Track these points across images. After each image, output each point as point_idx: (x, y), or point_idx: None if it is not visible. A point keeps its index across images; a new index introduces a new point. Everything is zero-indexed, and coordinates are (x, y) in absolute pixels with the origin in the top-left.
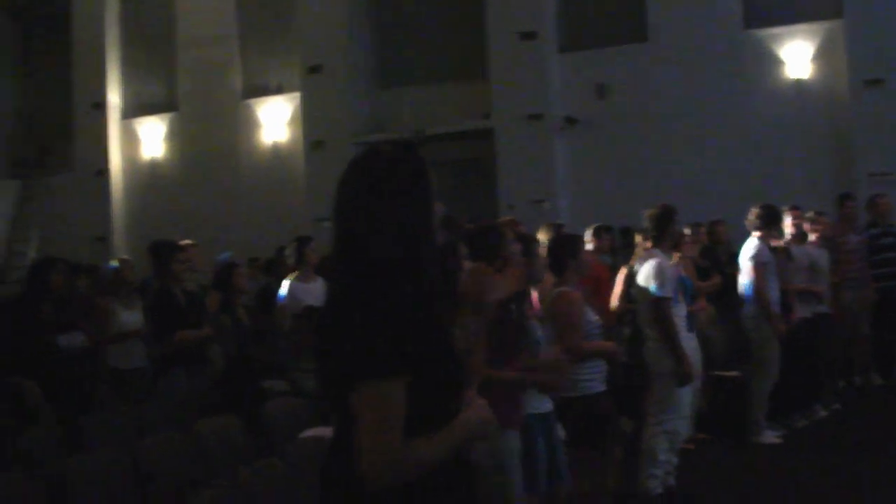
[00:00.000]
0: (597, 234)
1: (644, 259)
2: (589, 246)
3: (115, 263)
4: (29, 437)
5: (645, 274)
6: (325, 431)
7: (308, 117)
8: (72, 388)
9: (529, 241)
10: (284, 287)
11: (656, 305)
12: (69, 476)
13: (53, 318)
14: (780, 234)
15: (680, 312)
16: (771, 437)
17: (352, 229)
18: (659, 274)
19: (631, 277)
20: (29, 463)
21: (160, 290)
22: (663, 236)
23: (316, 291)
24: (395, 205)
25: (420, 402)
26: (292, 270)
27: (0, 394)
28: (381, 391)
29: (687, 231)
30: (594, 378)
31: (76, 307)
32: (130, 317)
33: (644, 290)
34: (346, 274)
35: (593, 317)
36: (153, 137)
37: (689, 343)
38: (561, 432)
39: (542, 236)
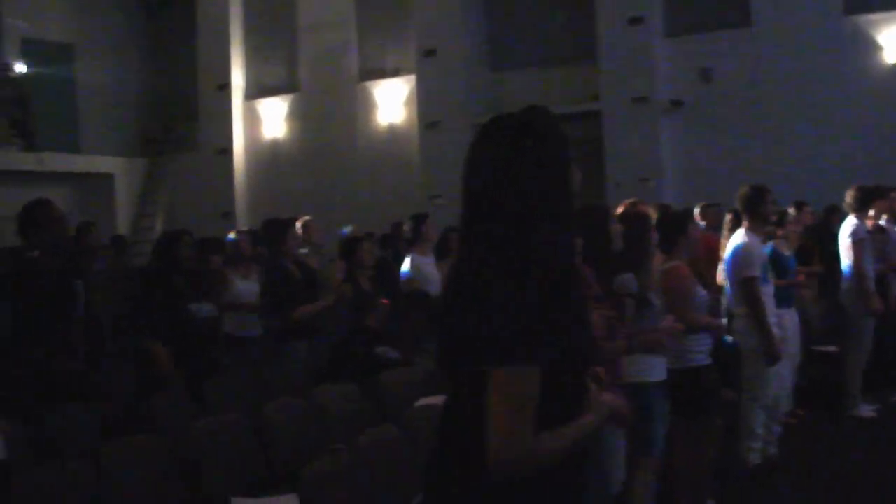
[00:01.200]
0: (704, 212)
1: (733, 237)
2: (701, 223)
3: (232, 236)
4: (158, 401)
5: (732, 252)
6: (439, 400)
7: (423, 99)
8: (199, 355)
9: (643, 221)
10: (407, 262)
11: (743, 284)
12: (195, 438)
13: (185, 289)
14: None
15: (768, 290)
16: (866, 410)
17: (483, 192)
18: (746, 253)
19: None
20: (158, 425)
21: (275, 267)
22: (753, 216)
23: (432, 266)
24: (532, 166)
25: (552, 390)
26: (409, 245)
27: (134, 359)
28: (516, 380)
29: (791, 210)
30: (701, 351)
31: (207, 279)
32: (245, 286)
33: (732, 268)
34: (476, 245)
35: (702, 292)
36: (275, 118)
37: (785, 319)
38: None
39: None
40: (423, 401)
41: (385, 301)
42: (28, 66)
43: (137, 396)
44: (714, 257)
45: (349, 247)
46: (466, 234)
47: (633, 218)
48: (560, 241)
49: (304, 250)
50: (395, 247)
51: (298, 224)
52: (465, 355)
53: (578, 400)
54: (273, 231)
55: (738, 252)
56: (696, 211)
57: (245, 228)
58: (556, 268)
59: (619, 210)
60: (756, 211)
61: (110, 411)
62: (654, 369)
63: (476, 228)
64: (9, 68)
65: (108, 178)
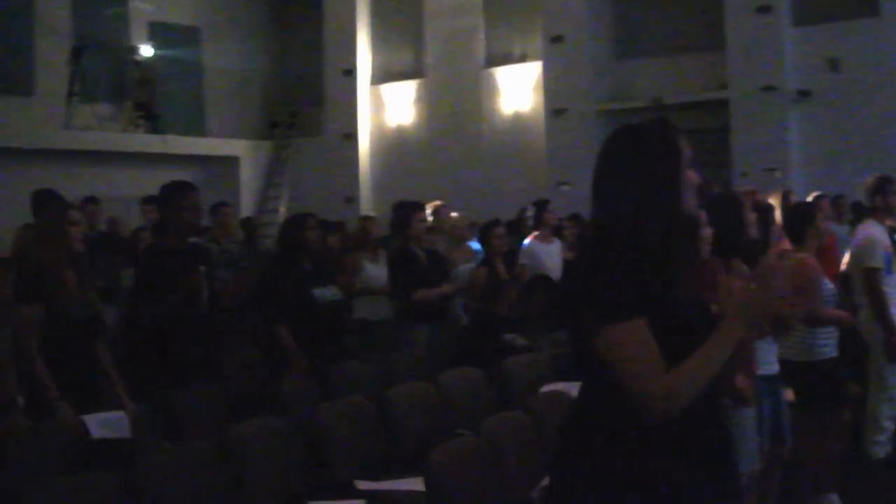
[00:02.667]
0: (817, 203)
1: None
2: None
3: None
4: (285, 384)
5: (856, 244)
6: (564, 387)
7: (549, 86)
8: (324, 339)
9: (766, 211)
10: (524, 247)
11: (866, 276)
12: (320, 420)
13: (310, 272)
14: None
15: (892, 281)
16: None
17: (601, 194)
18: (870, 244)
19: None
20: (284, 407)
21: (401, 250)
22: (877, 206)
23: (553, 252)
24: (639, 170)
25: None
26: (532, 232)
27: (260, 343)
28: (626, 332)
29: None
30: (828, 344)
31: (329, 262)
32: (375, 270)
33: (855, 260)
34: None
35: (829, 284)
36: (400, 103)
37: None
38: (788, 395)
39: (774, 203)
40: (548, 387)
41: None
42: (154, 50)
43: (264, 379)
44: (827, 251)
45: (484, 232)
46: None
47: (756, 208)
48: (654, 224)
49: (434, 236)
50: (520, 233)
51: (429, 209)
52: (579, 326)
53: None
54: (400, 214)
55: (861, 242)
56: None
57: (370, 213)
58: (649, 243)
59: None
60: (879, 201)
61: (237, 393)
62: (762, 364)
63: (594, 224)
64: (135, 51)
65: (233, 161)
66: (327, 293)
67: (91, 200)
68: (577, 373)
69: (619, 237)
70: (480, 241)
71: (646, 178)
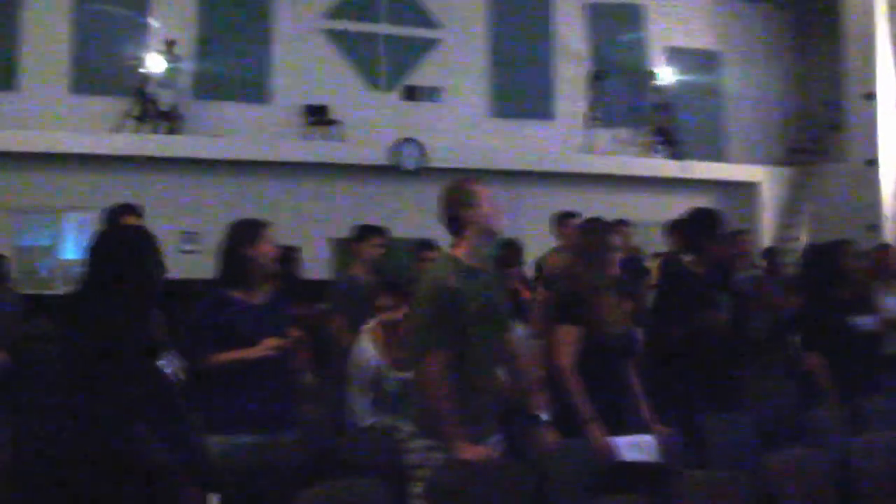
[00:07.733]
0: None
1: None
2: None
3: None
4: (816, 414)
5: None
6: None
7: None
8: (858, 370)
9: None
10: None
11: None
12: (852, 454)
13: (848, 300)
14: None
15: None
16: None
17: None
18: None
19: None
20: (815, 439)
21: None
22: None
23: None
24: None
25: None
26: None
27: (792, 370)
28: None
29: None
30: None
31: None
32: (891, 301)
33: None
34: None
35: None
36: None
37: None
38: None
39: None
40: None
41: None
42: (673, 74)
43: (796, 408)
44: None
45: None
46: None
47: None
48: None
49: None
50: None
51: None
52: None
53: None
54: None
55: None
56: None
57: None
58: None
59: None
60: None
61: (767, 422)
62: None
63: None
64: (654, 76)
65: (752, 187)
66: (868, 322)
67: (622, 223)
68: None
69: None
70: None
71: None
